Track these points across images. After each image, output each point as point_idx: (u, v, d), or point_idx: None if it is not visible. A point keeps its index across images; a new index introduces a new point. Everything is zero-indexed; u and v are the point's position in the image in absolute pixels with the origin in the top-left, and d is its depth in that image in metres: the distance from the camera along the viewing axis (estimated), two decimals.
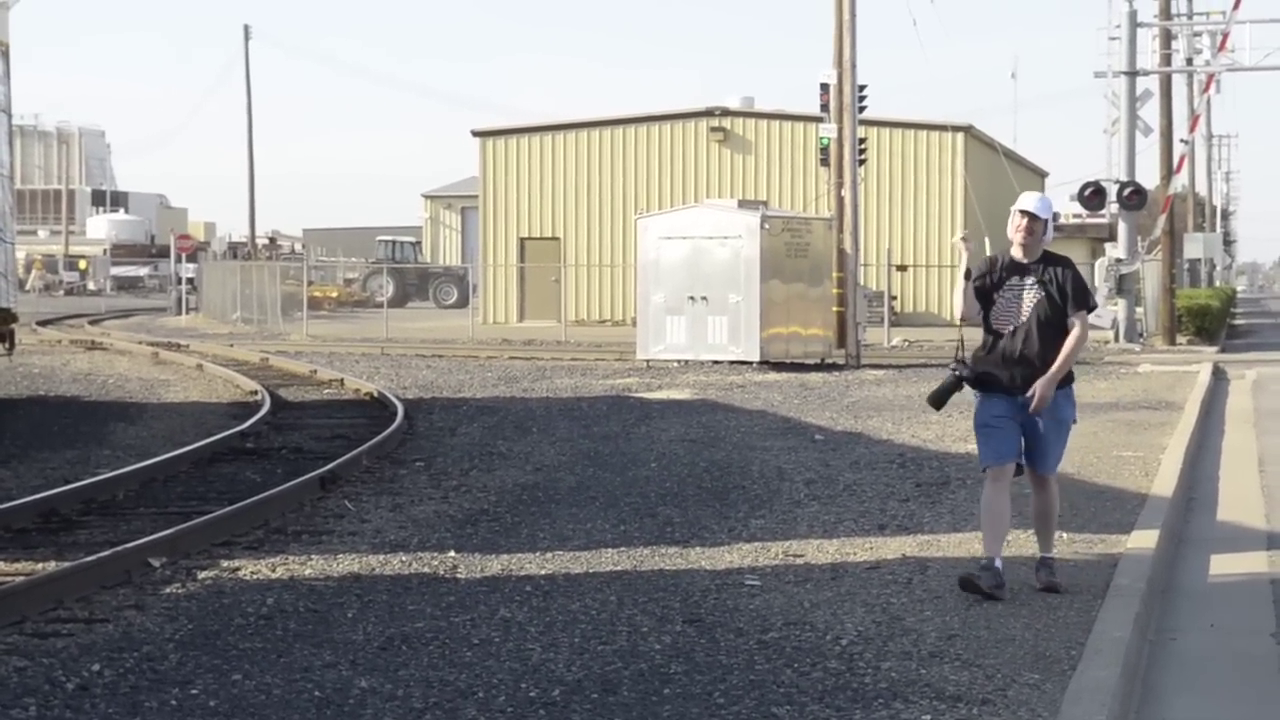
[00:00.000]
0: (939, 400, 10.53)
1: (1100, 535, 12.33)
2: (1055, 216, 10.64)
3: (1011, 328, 10.19)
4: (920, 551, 11.71)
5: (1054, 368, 10.17)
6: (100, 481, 14.90)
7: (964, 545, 11.68)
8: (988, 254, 10.61)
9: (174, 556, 11.27)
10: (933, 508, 13.77)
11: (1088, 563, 11.24)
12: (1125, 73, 42.17)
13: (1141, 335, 41.72)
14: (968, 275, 10.34)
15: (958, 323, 10.65)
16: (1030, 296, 10.19)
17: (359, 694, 7.88)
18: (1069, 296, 10.23)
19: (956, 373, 10.36)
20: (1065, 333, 10.19)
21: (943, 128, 51.84)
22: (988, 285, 10.30)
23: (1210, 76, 47.88)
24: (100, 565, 10.61)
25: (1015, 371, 10.16)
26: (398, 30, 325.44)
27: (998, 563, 10.07)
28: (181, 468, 16.38)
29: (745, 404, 23.87)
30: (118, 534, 12.47)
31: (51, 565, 11.06)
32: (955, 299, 10.43)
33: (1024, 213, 10.28)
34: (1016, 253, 10.31)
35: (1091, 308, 10.41)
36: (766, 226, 32.62)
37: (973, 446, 11.61)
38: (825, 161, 37.37)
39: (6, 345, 25.54)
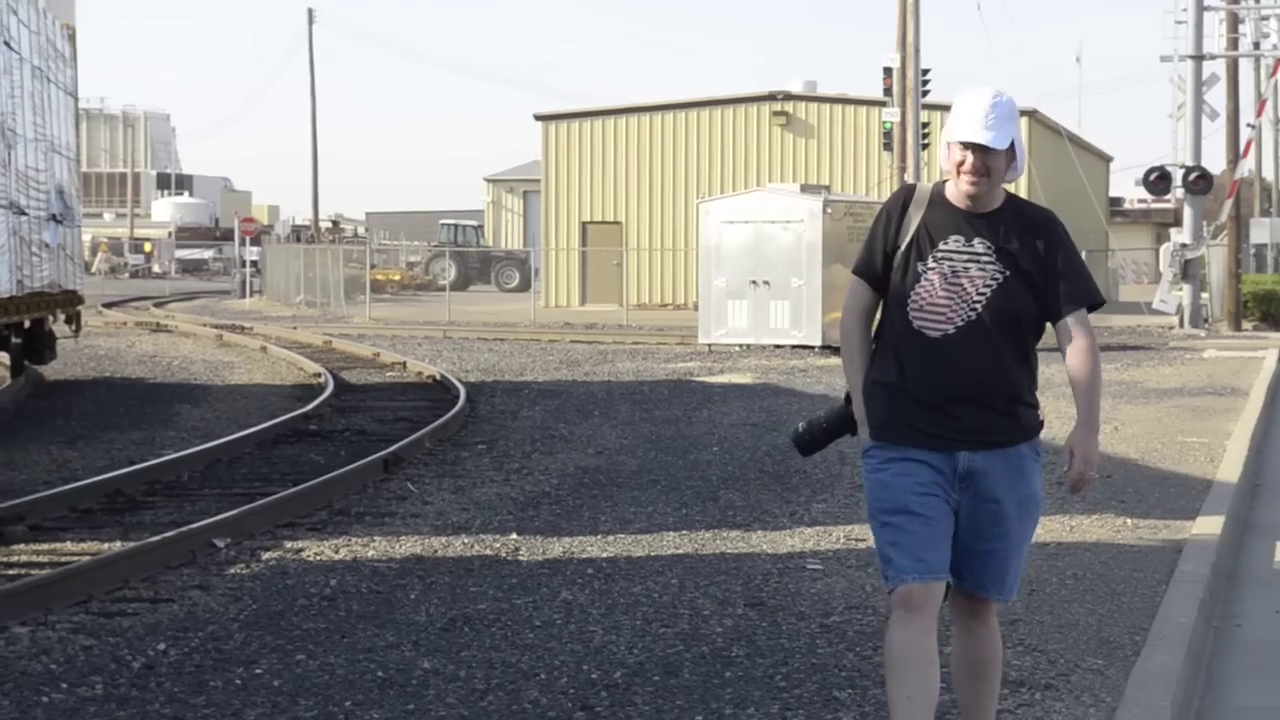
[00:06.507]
0: (811, 442, 6.29)
1: (1165, 521, 12.26)
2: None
3: (947, 329, 5.77)
4: None
5: (1089, 413, 5.85)
6: (165, 462, 15.01)
7: None
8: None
9: (238, 537, 11.34)
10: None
11: (1152, 548, 11.18)
12: (1191, 57, 41.87)
13: (1206, 320, 41.47)
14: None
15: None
16: (983, 274, 5.78)
17: (422, 675, 7.91)
18: (1060, 284, 5.82)
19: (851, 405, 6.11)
20: (1032, 347, 5.88)
21: None
22: (895, 244, 5.89)
23: (1278, 60, 47.47)
24: (165, 545, 10.69)
25: (948, 407, 5.77)
26: (462, 15, 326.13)
27: None
28: (245, 449, 16.47)
29: (807, 388, 23.83)
30: (182, 515, 12.55)
31: (117, 545, 11.14)
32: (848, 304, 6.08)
33: (970, 146, 5.77)
34: (958, 197, 5.86)
35: (1100, 303, 5.94)
36: (829, 211, 32.55)
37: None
38: (888, 146, 37.32)
39: (73, 327, 25.82)
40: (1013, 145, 5.77)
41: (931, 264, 5.79)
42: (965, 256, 5.79)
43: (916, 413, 5.80)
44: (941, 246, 5.80)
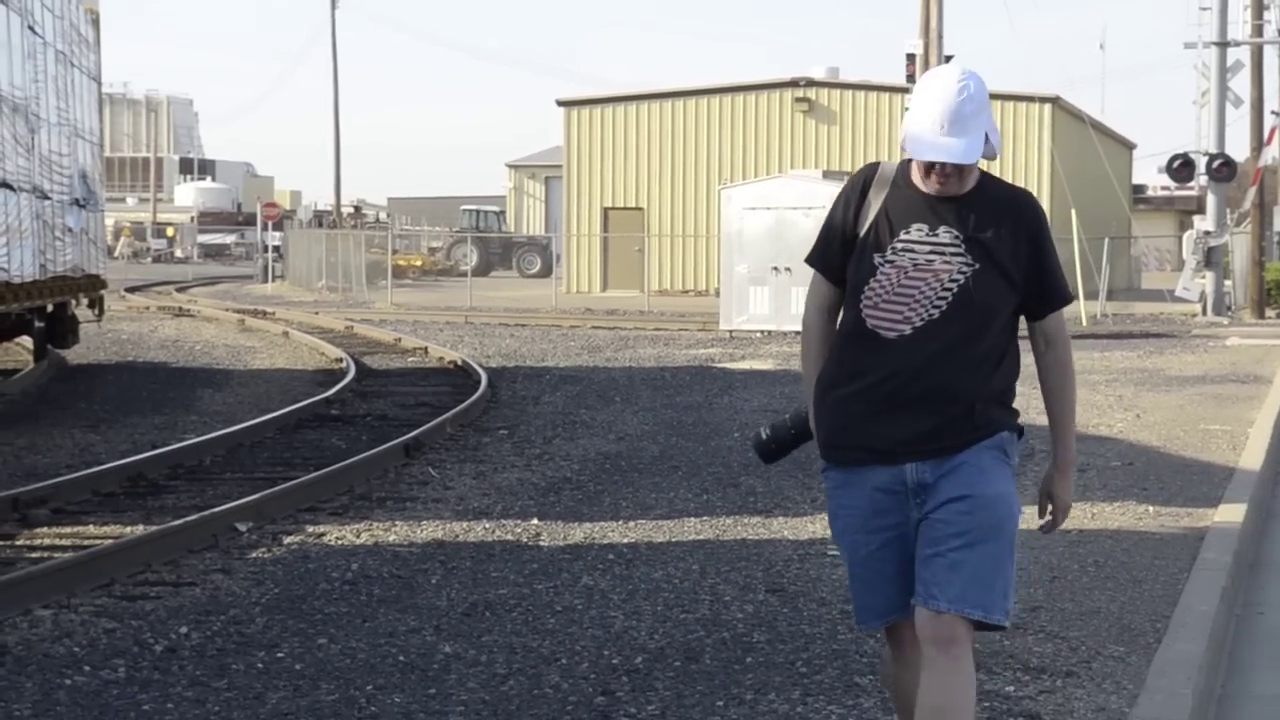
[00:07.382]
0: (775, 451, 5.72)
1: (1187, 508, 12.24)
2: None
3: (904, 329, 5.08)
4: None
5: (1065, 451, 5.38)
6: (187, 447, 15.04)
7: None
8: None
9: (260, 521, 11.36)
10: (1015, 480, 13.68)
11: (1174, 536, 11.16)
12: (1216, 43, 41.75)
13: (1230, 308, 41.40)
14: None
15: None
16: (948, 268, 5.07)
17: (443, 659, 7.93)
18: (1041, 281, 5.17)
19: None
20: (1007, 345, 5.16)
21: (1030, 99, 51.43)
22: (854, 231, 5.20)
23: None
24: (187, 529, 10.71)
25: (899, 415, 5.11)
26: (484, 1, 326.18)
27: None
28: (267, 434, 16.51)
29: None
30: (204, 499, 12.58)
31: (139, 529, 11.17)
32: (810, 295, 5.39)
33: (935, 165, 5.05)
34: (925, 182, 5.12)
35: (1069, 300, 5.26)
36: None
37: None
38: None
39: (96, 311, 25.91)
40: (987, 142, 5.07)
41: (890, 256, 5.08)
42: (928, 248, 5.06)
43: (864, 426, 5.14)
44: (903, 236, 5.08)
